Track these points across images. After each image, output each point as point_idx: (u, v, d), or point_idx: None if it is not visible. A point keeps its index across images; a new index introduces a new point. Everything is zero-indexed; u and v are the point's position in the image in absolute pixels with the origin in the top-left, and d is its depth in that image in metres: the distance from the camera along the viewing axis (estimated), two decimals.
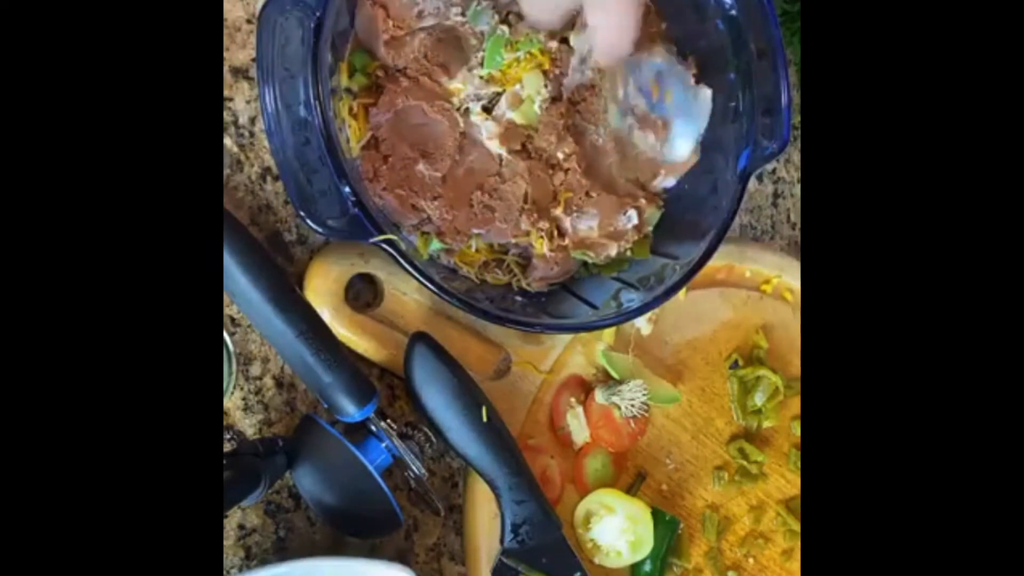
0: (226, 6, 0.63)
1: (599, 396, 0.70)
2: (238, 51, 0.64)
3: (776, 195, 0.79)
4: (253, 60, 0.64)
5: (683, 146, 0.68)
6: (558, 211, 0.66)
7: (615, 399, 0.70)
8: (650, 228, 0.69)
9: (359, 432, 0.62)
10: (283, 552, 0.65)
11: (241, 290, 0.58)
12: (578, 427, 0.70)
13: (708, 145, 0.69)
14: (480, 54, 0.64)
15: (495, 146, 0.65)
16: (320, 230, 0.58)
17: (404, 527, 0.67)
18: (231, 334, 0.64)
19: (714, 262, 0.66)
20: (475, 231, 0.65)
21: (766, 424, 0.74)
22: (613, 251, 0.67)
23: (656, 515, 0.70)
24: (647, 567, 0.71)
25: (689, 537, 0.73)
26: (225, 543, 0.63)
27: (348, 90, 0.62)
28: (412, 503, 0.68)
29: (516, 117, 0.65)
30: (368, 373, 0.65)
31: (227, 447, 0.63)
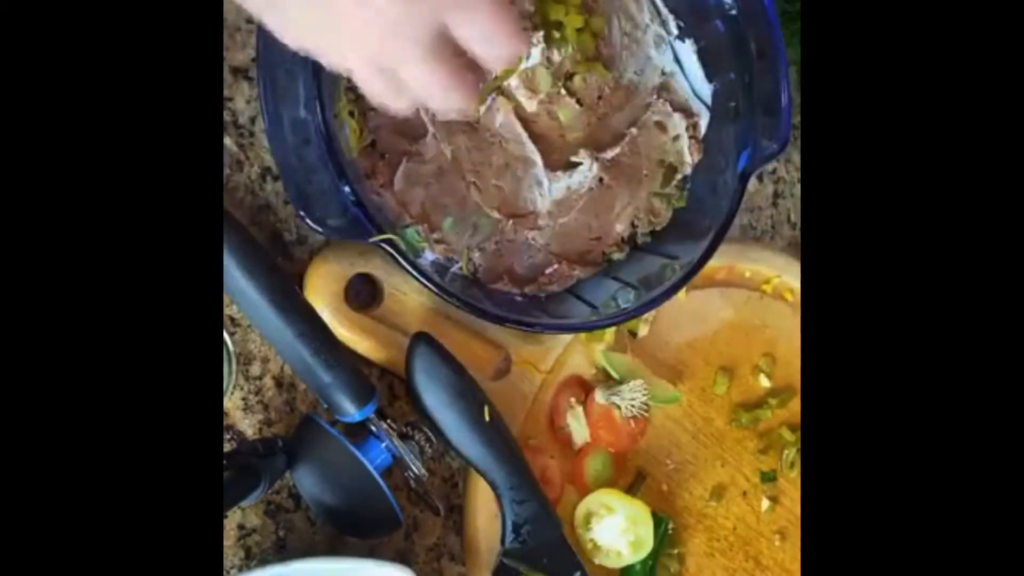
0: (226, 6, 0.63)
1: (599, 396, 0.70)
2: (238, 51, 0.64)
3: (776, 195, 0.79)
4: (253, 60, 0.64)
5: None
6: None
7: (615, 399, 0.70)
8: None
9: (359, 432, 0.62)
10: (283, 552, 0.65)
11: (241, 290, 0.58)
12: (578, 427, 0.70)
13: (708, 145, 0.70)
14: None
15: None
16: (320, 230, 0.58)
17: (404, 527, 0.67)
18: (231, 334, 0.64)
19: (714, 262, 0.66)
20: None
21: (765, 425, 0.74)
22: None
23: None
24: (637, 566, 0.71)
25: (689, 536, 0.73)
26: (225, 543, 0.63)
27: (348, 89, 0.62)
28: (412, 503, 0.68)
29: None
30: (368, 373, 0.65)
31: (227, 447, 0.63)
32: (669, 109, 0.69)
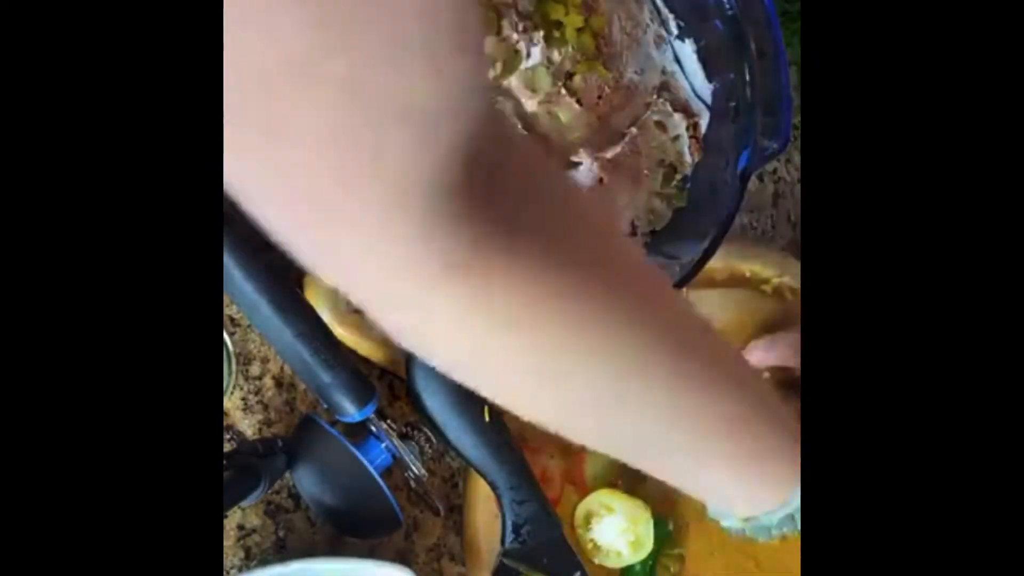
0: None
1: None
2: None
3: (776, 195, 0.79)
4: None
5: None
6: None
7: None
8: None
9: (359, 432, 0.62)
10: (283, 552, 0.65)
11: (241, 290, 0.58)
12: None
13: (708, 145, 0.69)
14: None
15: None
16: None
17: (404, 527, 0.67)
18: (231, 334, 0.64)
19: (714, 262, 0.65)
20: None
21: None
22: None
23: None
24: (637, 567, 0.71)
25: (689, 536, 0.73)
26: (225, 543, 0.63)
27: None
28: (412, 503, 0.68)
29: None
30: (368, 373, 0.65)
31: (227, 447, 0.63)
32: (669, 109, 0.69)
